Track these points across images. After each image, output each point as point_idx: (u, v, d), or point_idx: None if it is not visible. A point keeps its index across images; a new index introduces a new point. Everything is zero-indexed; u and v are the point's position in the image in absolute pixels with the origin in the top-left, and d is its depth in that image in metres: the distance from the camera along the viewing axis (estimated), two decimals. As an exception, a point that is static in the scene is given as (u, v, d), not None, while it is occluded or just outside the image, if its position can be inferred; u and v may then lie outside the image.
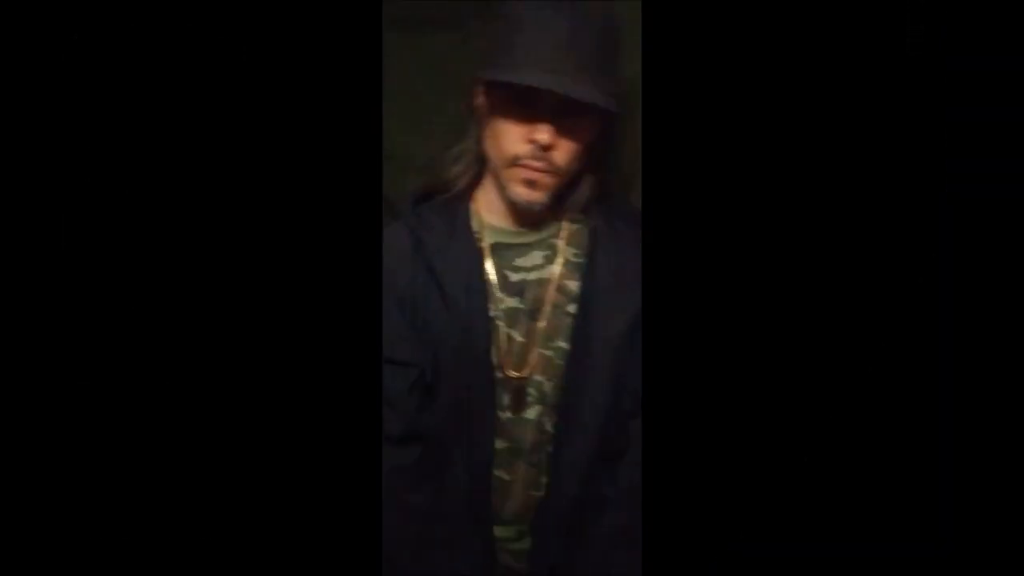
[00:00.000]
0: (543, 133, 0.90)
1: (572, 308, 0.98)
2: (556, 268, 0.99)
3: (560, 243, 1.00)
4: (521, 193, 0.94)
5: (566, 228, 1.00)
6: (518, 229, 1.00)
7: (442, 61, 1.31)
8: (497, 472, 0.98)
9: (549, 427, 0.97)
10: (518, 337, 0.97)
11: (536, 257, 1.00)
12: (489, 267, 0.99)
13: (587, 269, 0.98)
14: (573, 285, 0.99)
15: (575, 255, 1.00)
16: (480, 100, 0.96)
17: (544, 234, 1.01)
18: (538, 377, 0.97)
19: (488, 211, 1.01)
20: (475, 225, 1.00)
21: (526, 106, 0.90)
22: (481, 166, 1.00)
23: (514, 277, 0.99)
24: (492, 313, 0.97)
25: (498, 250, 0.99)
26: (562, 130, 0.91)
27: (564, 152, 0.93)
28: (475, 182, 1.02)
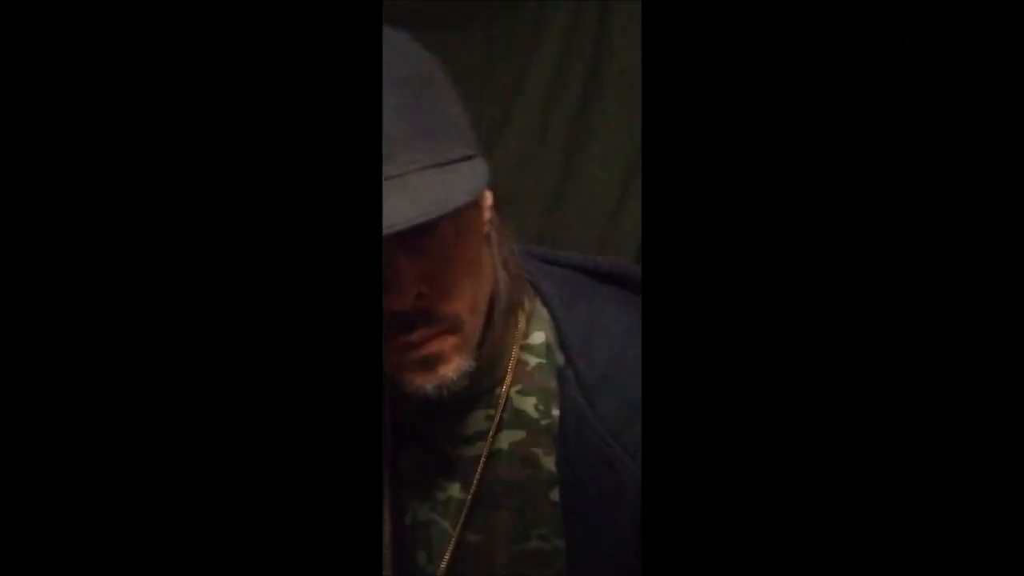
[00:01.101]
0: (397, 292, 0.62)
1: (554, 495, 0.68)
2: (509, 434, 0.69)
3: (511, 392, 0.69)
4: (423, 381, 0.66)
5: (509, 366, 0.69)
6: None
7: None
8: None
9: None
10: (472, 537, 0.69)
11: (477, 420, 0.70)
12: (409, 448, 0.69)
13: (563, 423, 0.67)
14: (544, 457, 0.68)
15: (537, 407, 0.69)
16: None
17: (484, 384, 0.70)
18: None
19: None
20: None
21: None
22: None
23: (453, 453, 0.69)
24: (422, 518, 0.69)
25: (422, 424, 0.70)
26: (430, 262, 0.63)
27: (450, 294, 0.64)
28: None
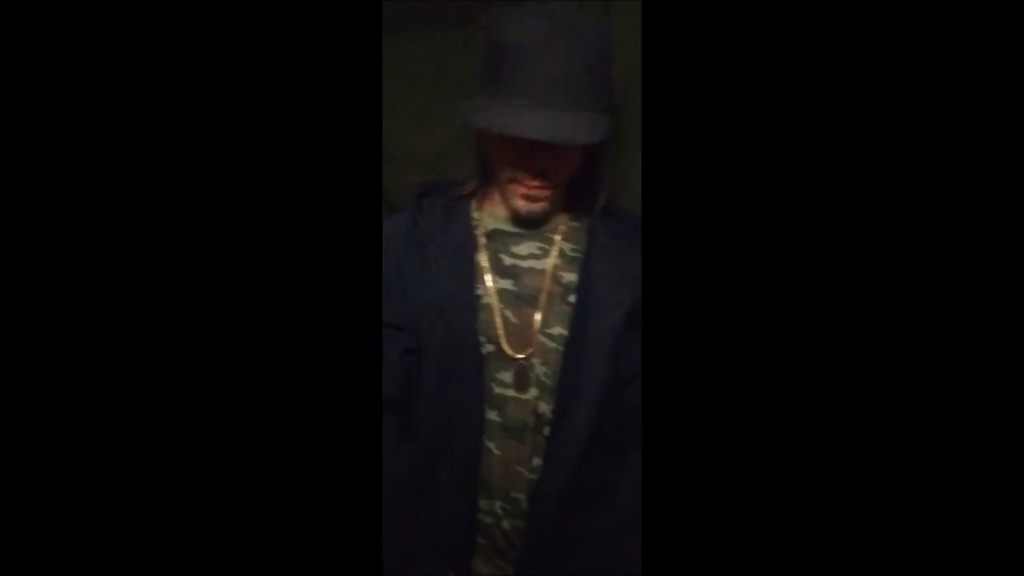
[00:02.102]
0: (538, 160, 0.96)
1: (571, 298, 1.01)
2: (551, 260, 1.03)
3: (557, 238, 1.05)
4: (521, 206, 1.01)
5: (563, 225, 1.05)
6: (516, 228, 1.06)
7: (442, 61, 1.31)
8: (488, 443, 1.00)
9: (544, 410, 1.00)
10: (513, 319, 1.01)
11: (531, 247, 1.04)
12: (482, 252, 1.03)
13: (584, 263, 1.03)
14: (570, 276, 1.02)
15: (572, 250, 1.04)
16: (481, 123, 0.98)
17: (541, 229, 1.05)
18: (535, 361, 1.00)
19: (490, 208, 1.06)
20: (474, 216, 1.06)
21: (520, 140, 0.95)
22: (484, 176, 1.06)
23: (508, 261, 1.03)
24: (480, 292, 1.01)
25: (494, 237, 1.04)
26: (556, 157, 0.97)
27: (560, 171, 0.99)
28: (479, 188, 1.07)
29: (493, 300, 1.01)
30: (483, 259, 1.03)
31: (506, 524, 1.01)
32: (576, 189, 1.05)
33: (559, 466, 0.99)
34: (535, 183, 0.99)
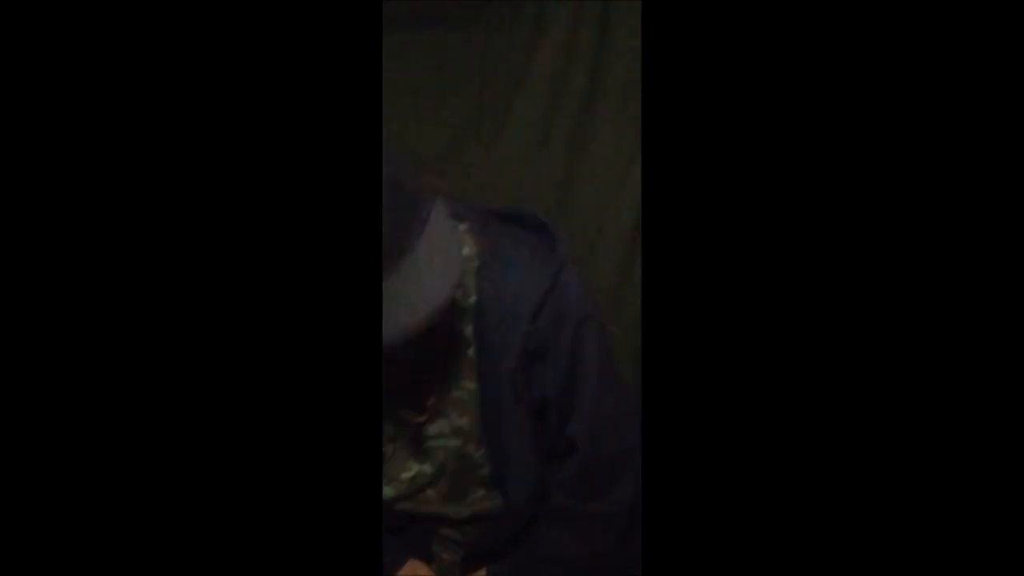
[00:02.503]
0: None
1: (471, 351, 0.99)
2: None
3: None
4: None
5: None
6: None
7: (442, 61, 1.31)
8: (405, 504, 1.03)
9: (475, 453, 1.02)
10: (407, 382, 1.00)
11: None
12: None
13: (477, 312, 0.98)
14: (467, 329, 0.99)
15: (462, 297, 0.99)
16: None
17: None
18: (451, 412, 1.01)
19: None
20: None
21: None
22: None
23: None
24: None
25: None
26: None
27: None
28: None
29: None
30: None
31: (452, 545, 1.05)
32: None
33: (510, 505, 1.02)
34: None
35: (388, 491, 1.03)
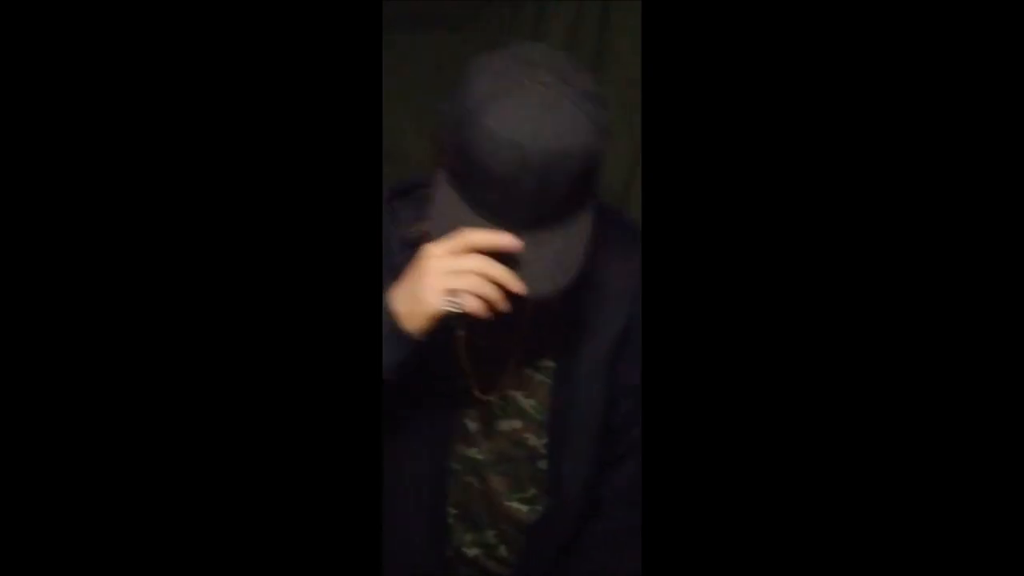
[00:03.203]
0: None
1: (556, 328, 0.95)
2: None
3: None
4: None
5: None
6: None
7: (442, 61, 1.31)
8: (468, 478, 0.97)
9: (536, 443, 0.96)
10: (484, 345, 0.94)
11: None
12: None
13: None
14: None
15: None
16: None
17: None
18: (518, 393, 0.96)
19: None
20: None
21: None
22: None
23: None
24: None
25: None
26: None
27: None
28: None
29: (463, 330, 0.93)
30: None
31: (503, 551, 0.99)
32: None
33: (562, 496, 0.96)
34: None
35: (454, 465, 0.97)
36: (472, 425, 0.96)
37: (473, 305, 0.79)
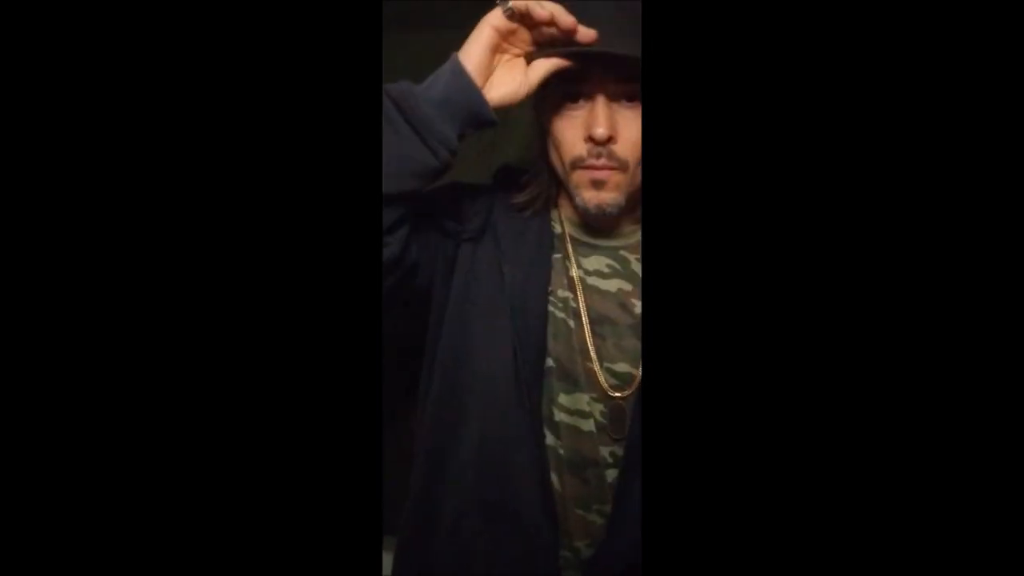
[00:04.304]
0: (599, 127, 0.86)
1: (638, 331, 0.91)
2: (619, 282, 0.94)
3: (632, 257, 0.95)
4: (589, 197, 0.90)
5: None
6: (588, 237, 0.96)
7: (442, 61, 1.31)
8: (550, 475, 0.90)
9: (606, 453, 0.91)
10: (571, 338, 0.92)
11: (599, 263, 0.95)
12: (556, 253, 0.95)
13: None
14: (639, 307, 0.92)
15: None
16: (537, 107, 0.93)
17: (615, 242, 0.96)
18: (594, 392, 0.92)
19: (564, 210, 0.98)
20: (552, 215, 0.97)
21: (579, 95, 0.88)
22: (554, 185, 0.97)
23: (573, 272, 0.94)
24: (549, 294, 0.92)
25: (567, 241, 0.95)
26: (620, 119, 0.88)
27: (627, 144, 0.88)
28: (551, 200, 0.98)
29: (553, 309, 0.92)
30: (554, 259, 0.94)
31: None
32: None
33: (627, 521, 0.87)
34: (601, 162, 0.87)
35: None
36: (559, 417, 0.91)
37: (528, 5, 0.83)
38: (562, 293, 0.93)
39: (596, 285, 0.93)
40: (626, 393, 0.91)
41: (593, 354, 0.92)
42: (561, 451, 0.91)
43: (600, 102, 0.87)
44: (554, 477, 0.90)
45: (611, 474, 0.90)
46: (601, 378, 0.91)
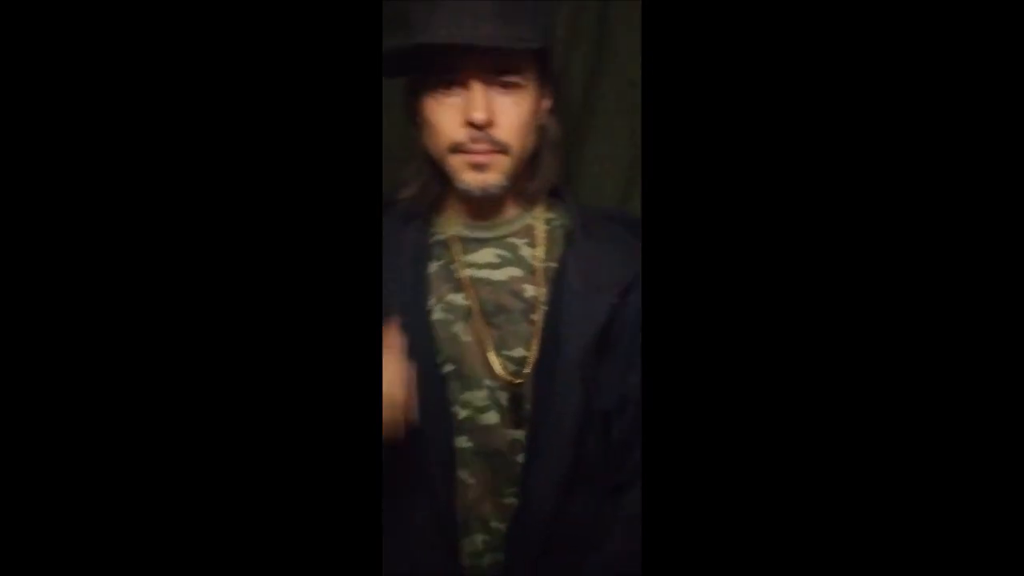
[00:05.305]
0: (477, 111, 0.87)
1: (534, 316, 0.94)
2: (508, 271, 0.96)
3: (520, 243, 0.97)
4: (470, 179, 0.91)
5: (532, 227, 0.97)
6: (476, 223, 0.97)
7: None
8: (460, 472, 0.93)
9: (518, 435, 0.93)
10: (463, 337, 0.94)
11: (489, 255, 0.96)
12: (433, 262, 0.96)
13: (558, 274, 0.94)
14: (533, 290, 0.95)
15: (538, 259, 0.96)
16: (409, 97, 0.93)
17: (502, 231, 0.97)
18: (492, 383, 0.94)
19: (452, 211, 0.98)
20: (433, 220, 0.98)
21: (452, 83, 0.88)
22: (439, 182, 0.96)
23: (461, 273, 0.95)
24: (430, 307, 0.94)
25: (450, 244, 0.96)
26: (498, 103, 0.89)
27: (506, 127, 0.90)
28: (435, 204, 0.99)
29: (440, 315, 0.94)
30: (433, 269, 0.96)
31: (487, 559, 0.95)
32: (536, 175, 0.96)
33: (535, 500, 0.92)
34: (480, 146, 0.89)
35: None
36: (464, 415, 0.94)
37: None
38: (451, 297, 0.95)
39: (487, 277, 0.95)
40: (524, 377, 0.93)
41: (491, 345, 0.94)
42: (471, 448, 0.94)
43: (477, 88, 0.88)
44: (466, 474, 0.93)
45: (519, 458, 0.93)
46: (499, 367, 0.93)
